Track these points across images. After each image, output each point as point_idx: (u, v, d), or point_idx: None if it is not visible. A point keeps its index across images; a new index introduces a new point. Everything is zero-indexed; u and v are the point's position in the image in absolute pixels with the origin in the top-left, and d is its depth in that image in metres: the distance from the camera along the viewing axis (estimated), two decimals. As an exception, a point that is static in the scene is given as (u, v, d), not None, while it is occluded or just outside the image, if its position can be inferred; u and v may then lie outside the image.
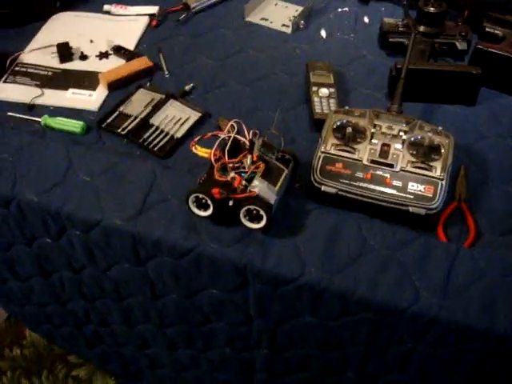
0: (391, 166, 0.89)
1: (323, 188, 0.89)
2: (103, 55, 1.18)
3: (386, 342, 0.90)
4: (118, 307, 1.11)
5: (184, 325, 1.07)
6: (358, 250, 0.86)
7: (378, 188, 0.88)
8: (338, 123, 0.94)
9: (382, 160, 0.90)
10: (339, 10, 1.30)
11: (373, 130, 0.93)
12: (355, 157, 0.90)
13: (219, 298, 0.95)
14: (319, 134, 0.96)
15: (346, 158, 0.90)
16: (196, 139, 0.91)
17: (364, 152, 0.91)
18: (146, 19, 1.26)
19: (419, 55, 1.12)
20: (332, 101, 1.05)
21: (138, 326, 1.14)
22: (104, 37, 1.21)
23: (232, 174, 0.85)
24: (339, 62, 1.17)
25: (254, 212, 0.84)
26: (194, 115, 1.06)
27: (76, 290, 1.11)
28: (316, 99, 1.05)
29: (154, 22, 1.25)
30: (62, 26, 1.26)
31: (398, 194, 0.87)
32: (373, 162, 0.90)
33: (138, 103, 1.07)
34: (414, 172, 0.89)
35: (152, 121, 1.04)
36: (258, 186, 0.83)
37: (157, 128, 1.03)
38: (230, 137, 0.89)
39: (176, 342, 1.15)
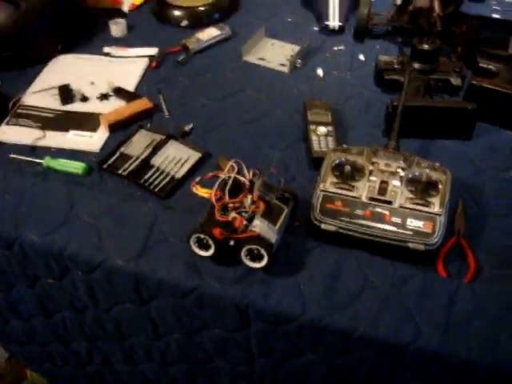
0: (390, 202, 0.90)
1: (323, 226, 0.90)
2: (104, 97, 1.20)
3: (388, 378, 0.90)
4: (120, 347, 1.11)
5: (186, 364, 1.07)
6: (358, 288, 0.87)
7: (377, 225, 0.89)
8: (337, 161, 0.96)
9: (380, 197, 0.91)
10: (335, 48, 1.33)
11: (371, 168, 0.95)
12: (354, 194, 0.92)
13: (221, 337, 0.95)
14: (318, 172, 0.97)
15: (345, 195, 0.92)
16: (197, 179, 0.92)
17: (363, 189, 0.92)
18: (145, 61, 1.28)
19: (415, 92, 1.14)
20: (330, 139, 1.07)
21: (140, 365, 1.14)
22: (104, 78, 1.24)
23: (233, 214, 0.86)
24: (336, 100, 1.19)
25: (255, 252, 0.85)
26: (194, 155, 1.07)
27: (78, 329, 1.11)
28: (314, 137, 1.07)
29: (154, 64, 1.27)
30: (64, 68, 1.29)
31: (397, 230, 0.88)
32: (371, 199, 0.91)
33: (139, 144, 1.09)
34: (413, 208, 0.90)
35: (153, 161, 1.06)
36: (259, 226, 0.85)
37: (157, 169, 1.05)
38: (230, 177, 0.91)
39: (178, 380, 1.14)
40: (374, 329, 0.83)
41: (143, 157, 1.07)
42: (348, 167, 0.93)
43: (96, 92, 1.21)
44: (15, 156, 1.07)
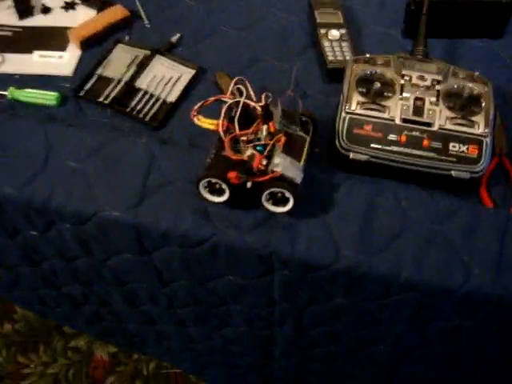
0: (428, 124, 0.76)
1: (352, 155, 0.76)
2: (69, 6, 1.00)
3: (428, 319, 0.80)
4: (119, 291, 0.99)
5: (196, 306, 0.96)
6: (398, 226, 0.75)
7: (414, 152, 0.76)
8: (362, 75, 0.80)
9: (416, 118, 0.77)
10: None
11: (402, 82, 0.80)
12: (386, 116, 0.77)
13: (238, 284, 0.84)
14: (333, 86, 0.82)
15: (376, 117, 0.77)
16: (196, 107, 0.76)
17: (395, 109, 0.77)
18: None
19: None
20: (345, 44, 0.91)
21: (143, 306, 1.03)
22: (67, -18, 1.02)
23: (249, 152, 0.71)
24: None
25: (279, 195, 0.71)
26: (187, 72, 0.90)
27: (70, 276, 0.99)
28: (326, 44, 0.90)
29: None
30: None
31: (438, 157, 0.75)
32: (406, 120, 0.77)
33: (119, 63, 0.91)
34: (455, 130, 0.76)
35: (138, 84, 0.89)
36: (281, 165, 0.70)
37: (145, 92, 0.88)
38: (238, 102, 0.75)
39: (186, 320, 1.04)
40: (418, 272, 0.72)
41: (126, 79, 0.89)
42: (377, 83, 0.78)
43: (59, 1, 1.00)
44: (-29, 88, 0.89)
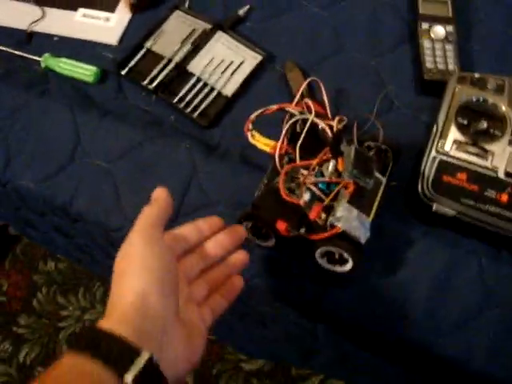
0: (542, 184, 0.60)
1: (435, 207, 0.61)
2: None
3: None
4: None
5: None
6: (477, 304, 0.61)
7: (516, 216, 0.60)
8: (465, 103, 0.64)
9: (527, 173, 0.60)
10: None
11: (515, 118, 0.63)
12: (487, 165, 0.61)
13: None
14: (428, 99, 0.67)
15: (474, 164, 0.61)
16: (253, 116, 0.62)
17: (500, 157, 0.61)
18: None
19: None
20: (449, 47, 0.73)
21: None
22: None
23: (306, 197, 0.57)
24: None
25: (337, 255, 0.58)
26: (252, 58, 0.75)
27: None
28: (427, 44, 0.73)
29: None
30: None
31: (543, 225, 0.59)
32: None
33: (173, 36, 0.77)
34: None
35: (191, 67, 0.75)
36: (345, 219, 0.56)
37: (198, 79, 0.74)
38: (305, 121, 0.61)
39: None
40: (492, 364, 0.59)
41: (178, 59, 0.75)
42: (483, 122, 0.61)
43: None
44: (4, 49, 0.77)
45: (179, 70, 0.74)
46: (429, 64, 0.71)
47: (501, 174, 0.60)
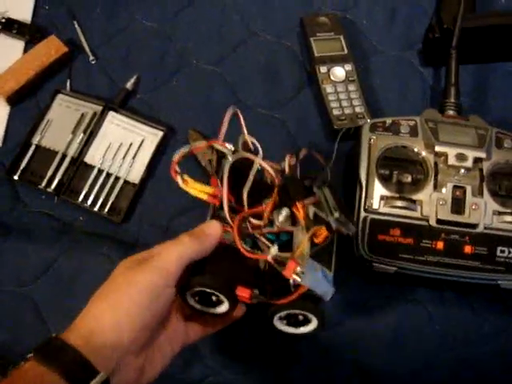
0: (473, 226, 0.61)
1: (375, 266, 0.62)
2: (-13, 35, 0.78)
3: None
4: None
5: None
6: (431, 353, 0.62)
7: (454, 261, 0.61)
8: (383, 153, 0.64)
9: (457, 218, 0.62)
10: None
11: (433, 160, 0.64)
12: (418, 215, 0.62)
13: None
14: (340, 145, 0.67)
15: (405, 218, 0.62)
16: (177, 157, 0.53)
17: (429, 205, 0.62)
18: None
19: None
20: (352, 88, 0.73)
21: None
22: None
23: (273, 252, 0.51)
24: (341, 6, 0.82)
25: (299, 317, 0.53)
26: (152, 136, 0.72)
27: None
28: (329, 90, 0.73)
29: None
30: None
31: (482, 266, 0.61)
32: (443, 222, 0.62)
33: (61, 126, 0.72)
34: (504, 229, 0.62)
35: (89, 159, 0.71)
36: (311, 277, 0.49)
37: (99, 171, 0.70)
38: (251, 165, 0.55)
39: None
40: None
41: (73, 152, 0.71)
42: (408, 176, 0.62)
43: (-27, 27, 0.78)
44: None
45: (77, 163, 0.70)
46: (335, 111, 0.71)
47: (432, 222, 0.62)
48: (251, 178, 0.54)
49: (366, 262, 0.62)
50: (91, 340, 0.43)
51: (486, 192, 0.63)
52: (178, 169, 0.53)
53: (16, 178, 0.70)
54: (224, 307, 0.52)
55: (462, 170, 0.63)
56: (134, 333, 0.45)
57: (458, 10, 0.73)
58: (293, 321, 0.53)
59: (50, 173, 0.69)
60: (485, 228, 0.62)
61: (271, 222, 0.54)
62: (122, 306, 0.45)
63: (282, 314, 0.52)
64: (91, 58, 0.77)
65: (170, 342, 0.51)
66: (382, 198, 0.62)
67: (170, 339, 0.52)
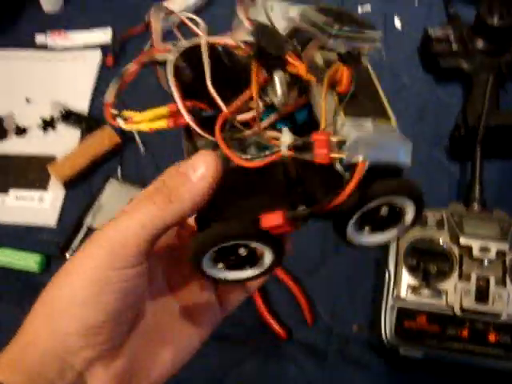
0: (496, 315, 0.65)
1: (402, 351, 0.65)
2: (48, 125, 0.87)
3: None
4: None
5: None
6: None
7: (478, 349, 0.64)
8: (411, 244, 0.69)
9: (481, 307, 0.65)
10: (359, 9, 0.99)
11: (458, 252, 0.68)
12: (443, 304, 0.66)
13: None
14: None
15: (431, 306, 0.66)
16: (109, 98, 0.37)
17: (454, 295, 0.66)
18: (98, 55, 0.93)
19: (483, 88, 0.84)
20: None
21: None
22: (44, 90, 0.90)
23: (286, 137, 0.33)
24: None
25: (383, 210, 0.35)
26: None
27: None
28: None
29: (110, 61, 0.92)
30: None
31: (505, 354, 0.64)
32: (468, 311, 0.65)
33: (111, 210, 0.79)
34: (528, 318, 0.65)
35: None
36: (359, 141, 0.32)
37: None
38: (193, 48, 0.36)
39: None
40: None
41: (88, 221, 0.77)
42: (434, 266, 0.67)
43: (35, 116, 0.88)
44: None
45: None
46: (367, 203, 0.76)
47: (457, 311, 0.65)
48: (206, 61, 0.35)
49: (392, 347, 0.65)
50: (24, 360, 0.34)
51: (509, 282, 0.66)
52: (114, 111, 0.37)
53: (68, 256, 0.76)
54: (267, 259, 0.36)
55: (486, 262, 0.67)
56: (82, 337, 0.34)
57: (482, 110, 0.79)
58: (375, 222, 0.36)
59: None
60: (508, 317, 0.65)
61: (271, 108, 0.36)
62: (58, 307, 0.34)
63: (355, 216, 0.34)
64: (141, 149, 0.85)
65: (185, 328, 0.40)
66: (409, 286, 0.67)
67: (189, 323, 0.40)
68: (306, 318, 0.71)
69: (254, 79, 0.34)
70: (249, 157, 0.34)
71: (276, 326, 0.70)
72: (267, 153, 0.34)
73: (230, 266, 0.37)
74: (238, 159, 0.34)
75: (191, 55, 0.36)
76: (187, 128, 0.37)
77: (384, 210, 0.35)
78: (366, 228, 0.36)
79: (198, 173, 0.33)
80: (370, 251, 0.75)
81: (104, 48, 0.93)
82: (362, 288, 0.72)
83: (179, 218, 0.34)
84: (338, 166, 0.32)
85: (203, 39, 0.35)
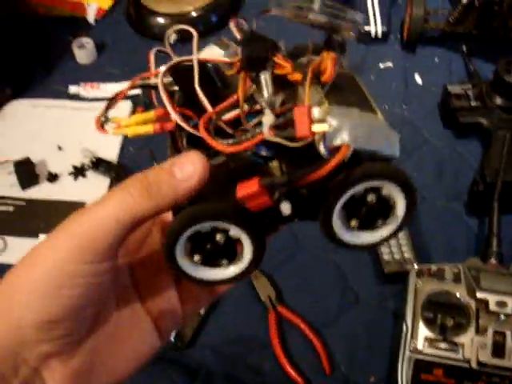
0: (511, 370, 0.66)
1: (418, 404, 0.66)
2: (78, 172, 0.91)
3: None
4: None
5: None
6: None
7: (495, 404, 0.65)
8: (428, 298, 0.71)
9: (497, 362, 0.67)
10: (381, 65, 1.03)
11: (475, 306, 0.70)
12: (459, 357, 0.67)
13: None
14: (389, 287, 0.77)
15: (447, 359, 0.67)
16: (100, 115, 0.37)
17: (470, 348, 0.67)
18: (128, 106, 0.98)
19: (501, 144, 0.87)
20: (401, 235, 0.81)
21: None
22: (75, 139, 0.94)
23: (269, 124, 0.33)
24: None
25: (370, 198, 0.34)
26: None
27: None
28: (380, 236, 0.80)
29: (140, 111, 0.96)
30: (17, 124, 0.98)
31: (521, 410, 0.65)
32: (484, 365, 0.67)
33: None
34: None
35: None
36: (343, 124, 0.32)
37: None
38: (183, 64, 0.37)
39: None
40: None
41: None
42: (450, 319, 0.68)
43: (67, 163, 0.92)
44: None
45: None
46: (386, 256, 0.79)
47: (474, 365, 0.67)
48: (196, 67, 0.35)
49: (409, 399, 0.67)
50: None
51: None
52: (102, 118, 0.37)
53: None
54: (247, 253, 0.35)
55: (503, 316, 0.69)
56: (39, 331, 0.32)
57: (499, 165, 0.82)
58: (363, 216, 0.34)
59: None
60: (524, 370, 0.66)
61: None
62: (17, 299, 0.33)
63: (340, 203, 0.33)
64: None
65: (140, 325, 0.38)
66: (426, 339, 0.68)
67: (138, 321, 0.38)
68: (324, 367, 0.72)
69: (241, 83, 0.35)
70: (230, 141, 0.34)
71: (294, 375, 0.71)
72: (249, 136, 0.33)
73: (207, 258, 0.34)
74: (221, 146, 0.33)
75: (183, 74, 0.36)
76: (172, 135, 0.37)
77: (371, 198, 0.33)
78: (354, 222, 0.34)
79: (184, 172, 0.32)
80: (387, 302, 0.77)
81: (134, 99, 0.97)
82: (380, 339, 0.74)
83: (155, 213, 0.32)
84: (322, 149, 0.31)
85: (194, 55, 0.36)
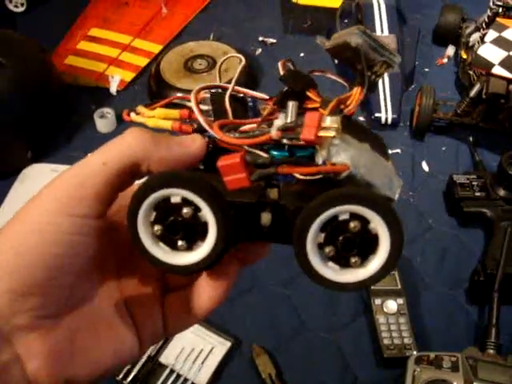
0: None
1: None
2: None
3: None
4: None
5: None
6: None
7: None
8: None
9: None
10: (389, 152, 1.08)
11: (472, 395, 0.73)
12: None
13: None
14: (390, 372, 0.79)
15: None
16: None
17: None
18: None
19: (503, 235, 0.91)
20: (403, 320, 0.85)
21: None
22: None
23: (277, 126, 0.34)
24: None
25: (353, 225, 0.31)
26: (220, 344, 0.84)
27: None
28: (382, 320, 0.84)
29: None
30: (36, 188, 1.02)
31: None
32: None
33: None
34: None
35: (164, 358, 0.83)
36: (350, 150, 0.33)
37: (171, 371, 0.82)
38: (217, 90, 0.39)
39: None
40: None
41: (150, 352, 0.83)
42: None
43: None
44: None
45: (152, 362, 0.82)
46: (386, 340, 0.82)
47: None
48: (227, 100, 0.37)
49: None
50: None
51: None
52: (127, 113, 0.39)
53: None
54: (207, 245, 0.33)
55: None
56: (15, 297, 0.31)
57: (500, 257, 0.86)
58: (343, 246, 0.32)
59: (128, 366, 0.82)
60: None
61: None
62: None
63: (324, 217, 0.31)
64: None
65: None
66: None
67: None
68: None
69: (270, 105, 0.37)
70: (237, 135, 0.35)
71: None
72: (256, 133, 0.35)
73: (167, 233, 0.32)
74: (227, 137, 0.34)
75: (218, 97, 0.38)
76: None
77: (353, 225, 0.31)
78: (328, 249, 0.32)
79: (183, 139, 0.34)
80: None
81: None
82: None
83: (146, 163, 0.32)
84: (320, 160, 0.32)
85: (231, 86, 0.38)
